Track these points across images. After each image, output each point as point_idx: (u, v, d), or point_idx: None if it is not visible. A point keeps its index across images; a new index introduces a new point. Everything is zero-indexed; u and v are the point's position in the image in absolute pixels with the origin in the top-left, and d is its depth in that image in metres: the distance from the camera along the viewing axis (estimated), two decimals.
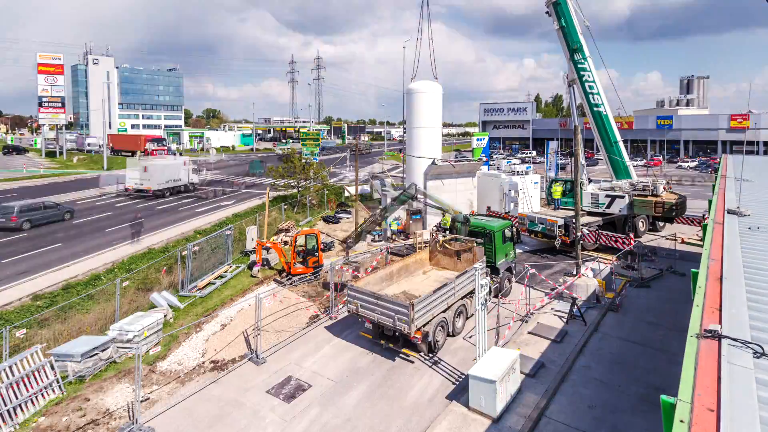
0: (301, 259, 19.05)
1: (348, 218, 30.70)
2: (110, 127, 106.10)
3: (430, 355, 12.71)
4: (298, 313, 15.89)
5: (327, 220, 30.18)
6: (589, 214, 23.87)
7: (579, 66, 23.80)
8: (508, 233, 16.98)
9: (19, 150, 72.45)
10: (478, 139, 46.44)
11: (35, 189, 42.32)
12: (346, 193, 38.32)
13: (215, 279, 19.13)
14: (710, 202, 11.84)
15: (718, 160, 74.33)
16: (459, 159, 42.21)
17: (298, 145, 54.40)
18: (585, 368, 11.92)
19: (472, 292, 14.54)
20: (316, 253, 19.38)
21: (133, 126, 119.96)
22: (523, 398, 10.52)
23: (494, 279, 15.59)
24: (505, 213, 26.29)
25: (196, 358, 13.13)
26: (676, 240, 23.00)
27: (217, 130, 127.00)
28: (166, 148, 72.70)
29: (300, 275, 18.48)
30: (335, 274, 16.56)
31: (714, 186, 15.14)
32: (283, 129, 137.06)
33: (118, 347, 13.17)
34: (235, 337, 13.94)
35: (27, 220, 25.73)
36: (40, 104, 71.82)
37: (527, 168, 33.94)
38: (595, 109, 24.01)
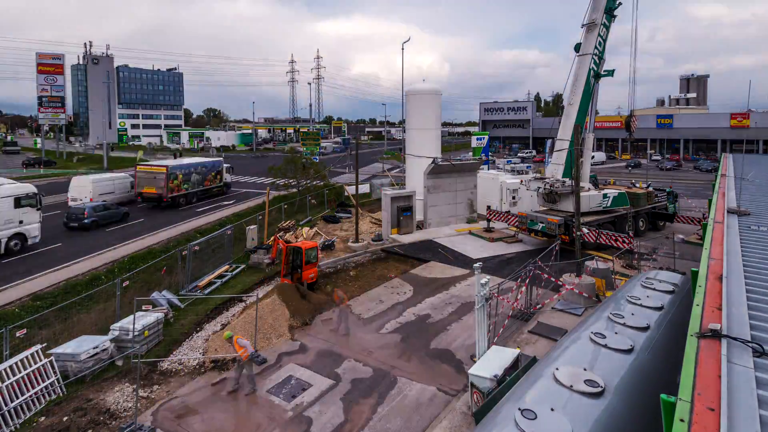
0: (288, 272, 17.70)
1: (348, 218, 30.72)
2: (110, 127, 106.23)
3: None
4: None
5: (327, 219, 30.20)
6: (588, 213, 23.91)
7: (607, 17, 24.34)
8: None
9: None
10: (478, 139, 46.48)
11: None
12: (346, 193, 38.36)
13: (216, 278, 19.15)
14: (710, 201, 11.84)
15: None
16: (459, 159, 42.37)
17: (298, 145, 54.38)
18: None
19: None
20: (301, 270, 17.34)
21: (133, 126, 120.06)
22: None
23: None
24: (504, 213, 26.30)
25: (196, 358, 13.15)
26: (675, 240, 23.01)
27: (217, 129, 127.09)
28: None
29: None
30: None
31: (714, 185, 15.13)
32: (284, 129, 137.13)
33: (118, 347, 13.19)
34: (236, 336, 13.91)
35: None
36: (40, 104, 71.90)
37: (527, 167, 33.99)
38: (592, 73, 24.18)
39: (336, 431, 9.91)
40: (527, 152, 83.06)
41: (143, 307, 14.42)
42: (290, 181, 36.91)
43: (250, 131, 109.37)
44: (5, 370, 10.71)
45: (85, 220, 27.47)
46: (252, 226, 23.97)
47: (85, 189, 32.40)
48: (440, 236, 25.21)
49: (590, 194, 23.12)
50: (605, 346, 6.87)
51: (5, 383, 10.48)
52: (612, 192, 24.10)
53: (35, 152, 76.75)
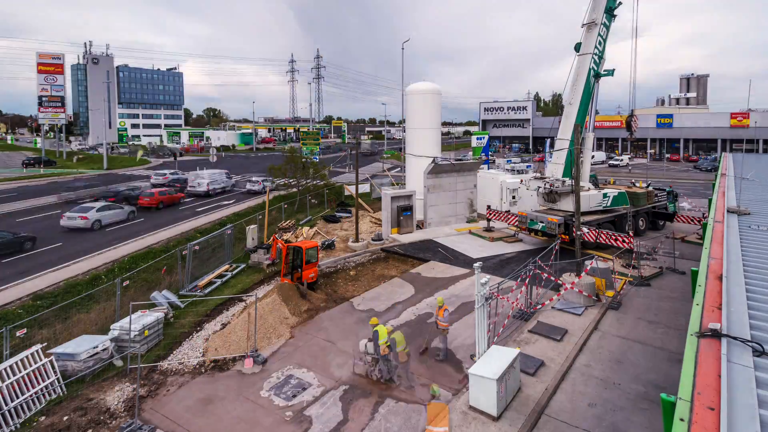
0: (288, 272, 17.72)
1: (348, 217, 30.72)
2: (110, 127, 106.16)
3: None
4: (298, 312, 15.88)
5: (327, 219, 30.19)
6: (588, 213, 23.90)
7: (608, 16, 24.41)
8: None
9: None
10: (478, 138, 46.50)
11: (36, 188, 42.34)
12: (347, 192, 38.35)
13: (215, 278, 19.14)
14: (710, 200, 11.84)
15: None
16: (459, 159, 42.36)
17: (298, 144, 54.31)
18: (585, 367, 11.92)
19: None
20: (301, 269, 17.37)
21: (133, 126, 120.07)
22: (523, 397, 10.53)
23: None
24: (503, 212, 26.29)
25: (196, 357, 13.15)
26: (676, 239, 23.00)
27: (217, 129, 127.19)
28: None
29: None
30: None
31: (714, 184, 15.14)
32: (283, 128, 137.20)
33: (118, 346, 13.19)
34: (236, 336, 13.92)
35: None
36: (40, 104, 71.87)
37: (527, 167, 34.01)
38: (592, 72, 24.11)
39: (336, 431, 9.92)
40: (527, 157, 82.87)
41: (140, 312, 14.41)
42: (290, 180, 36.92)
43: (250, 131, 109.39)
44: (5, 369, 10.72)
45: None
46: (252, 226, 23.96)
47: None
48: (440, 236, 25.21)
49: (590, 194, 23.12)
50: None
51: (5, 383, 10.48)
52: (612, 191, 24.10)
53: (35, 152, 76.76)
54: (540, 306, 15.48)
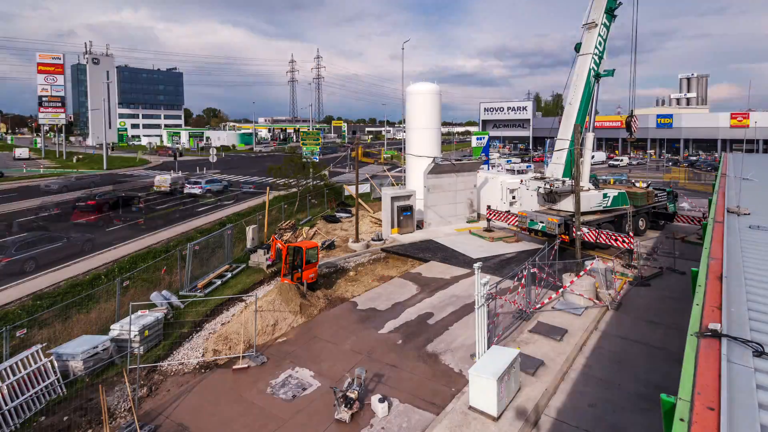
0: (288, 272, 17.58)
1: (348, 217, 30.71)
2: (110, 127, 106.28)
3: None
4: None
5: (327, 219, 30.18)
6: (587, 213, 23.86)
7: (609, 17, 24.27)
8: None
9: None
10: (478, 138, 46.53)
11: (35, 189, 42.36)
12: (347, 192, 38.35)
13: (215, 278, 19.14)
14: (710, 201, 11.84)
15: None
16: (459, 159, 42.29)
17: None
18: (585, 367, 11.93)
19: None
20: (301, 270, 17.27)
21: (133, 126, 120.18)
22: (523, 397, 10.53)
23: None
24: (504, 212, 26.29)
25: (196, 358, 13.15)
26: (676, 239, 23.01)
27: (217, 129, 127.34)
28: None
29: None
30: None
31: (714, 185, 15.13)
32: (283, 128, 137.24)
33: (118, 346, 13.19)
34: (236, 336, 13.93)
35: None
36: (40, 104, 71.94)
37: (527, 167, 34.03)
38: (592, 72, 23.99)
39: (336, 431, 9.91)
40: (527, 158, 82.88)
41: (139, 312, 14.41)
42: (290, 180, 36.95)
43: (250, 131, 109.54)
44: (5, 370, 10.71)
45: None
46: (252, 226, 23.95)
47: None
48: (440, 236, 25.21)
49: (590, 194, 23.11)
50: None
51: (5, 383, 10.47)
52: (612, 191, 24.10)
53: (35, 152, 76.77)
54: (540, 306, 15.48)
